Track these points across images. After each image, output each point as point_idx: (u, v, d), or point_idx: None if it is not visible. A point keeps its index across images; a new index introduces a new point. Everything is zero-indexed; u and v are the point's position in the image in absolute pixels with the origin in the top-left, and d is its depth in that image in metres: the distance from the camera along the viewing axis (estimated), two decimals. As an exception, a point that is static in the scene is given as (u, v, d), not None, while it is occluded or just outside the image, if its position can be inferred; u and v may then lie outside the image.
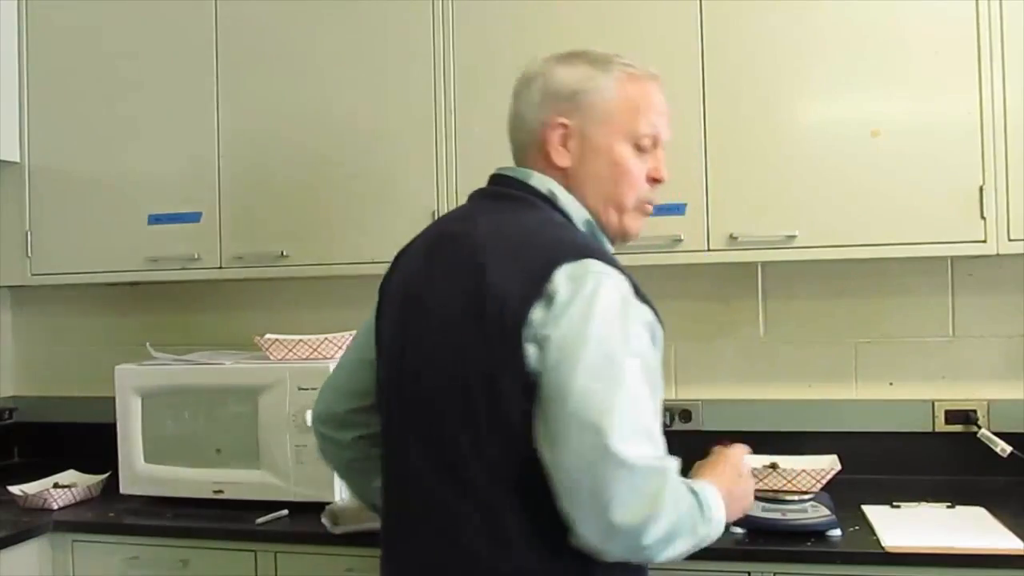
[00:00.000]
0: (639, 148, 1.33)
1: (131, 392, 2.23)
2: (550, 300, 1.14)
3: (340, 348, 2.19)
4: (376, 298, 1.46)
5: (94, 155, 2.43)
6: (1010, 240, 1.92)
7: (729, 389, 2.36)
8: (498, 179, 1.37)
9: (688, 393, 2.38)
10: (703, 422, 2.35)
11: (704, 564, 1.76)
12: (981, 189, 1.92)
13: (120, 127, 2.40)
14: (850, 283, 2.29)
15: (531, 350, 1.14)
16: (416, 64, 2.20)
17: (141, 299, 2.74)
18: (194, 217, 2.33)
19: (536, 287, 1.14)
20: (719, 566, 1.75)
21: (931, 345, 2.27)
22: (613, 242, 1.37)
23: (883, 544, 1.71)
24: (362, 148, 2.24)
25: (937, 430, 2.24)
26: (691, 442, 2.32)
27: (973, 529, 1.79)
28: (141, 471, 2.21)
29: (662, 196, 2.03)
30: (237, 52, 2.32)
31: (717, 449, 1.42)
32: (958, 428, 2.22)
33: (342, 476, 1.62)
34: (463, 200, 2.12)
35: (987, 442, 2.15)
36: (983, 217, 1.92)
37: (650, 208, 1.37)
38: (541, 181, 1.32)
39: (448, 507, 1.20)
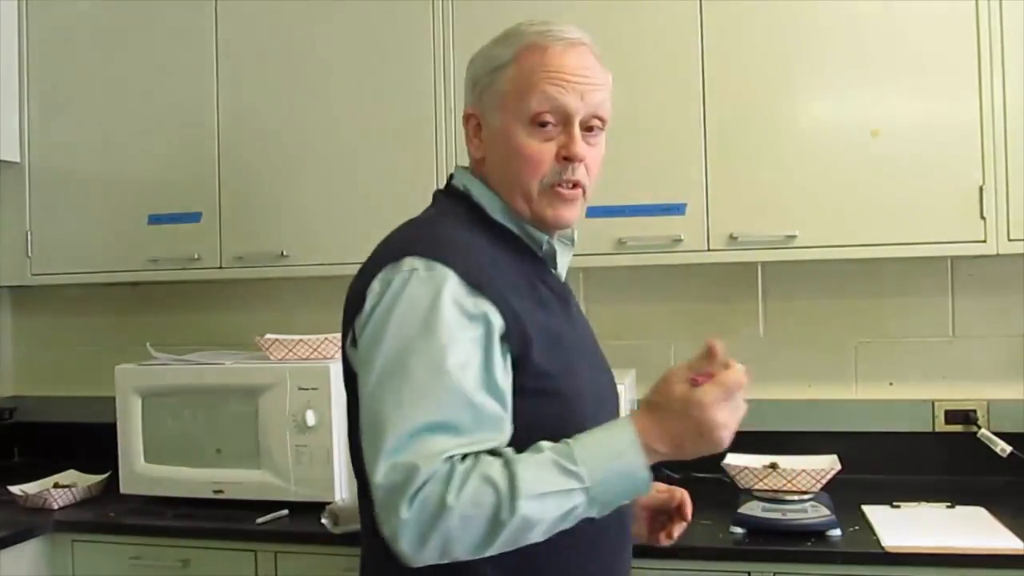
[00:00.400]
0: (541, 126, 1.21)
1: (131, 392, 2.22)
2: (363, 305, 1.13)
3: (340, 348, 2.19)
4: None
5: (94, 155, 2.43)
6: (1010, 240, 1.92)
7: (729, 389, 2.35)
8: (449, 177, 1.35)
9: (688, 393, 2.38)
10: (703, 422, 2.35)
11: (704, 564, 1.76)
12: (981, 189, 1.92)
13: (120, 127, 2.40)
14: (850, 283, 2.29)
15: (351, 355, 1.17)
16: (416, 64, 2.20)
17: (141, 299, 2.74)
18: (194, 217, 2.33)
19: (362, 291, 1.14)
20: (719, 566, 1.75)
21: (931, 345, 2.27)
22: (545, 231, 1.27)
23: (883, 544, 1.71)
24: (362, 148, 2.24)
25: (937, 430, 2.24)
26: (691, 442, 2.34)
27: (973, 529, 1.79)
28: (141, 471, 2.21)
29: (662, 196, 2.06)
30: (237, 52, 2.32)
31: (666, 379, 1.15)
32: (958, 428, 2.22)
33: None
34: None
35: (987, 442, 2.15)
36: (983, 217, 1.92)
37: (568, 192, 1.23)
38: (461, 177, 1.30)
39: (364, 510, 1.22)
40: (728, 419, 1.13)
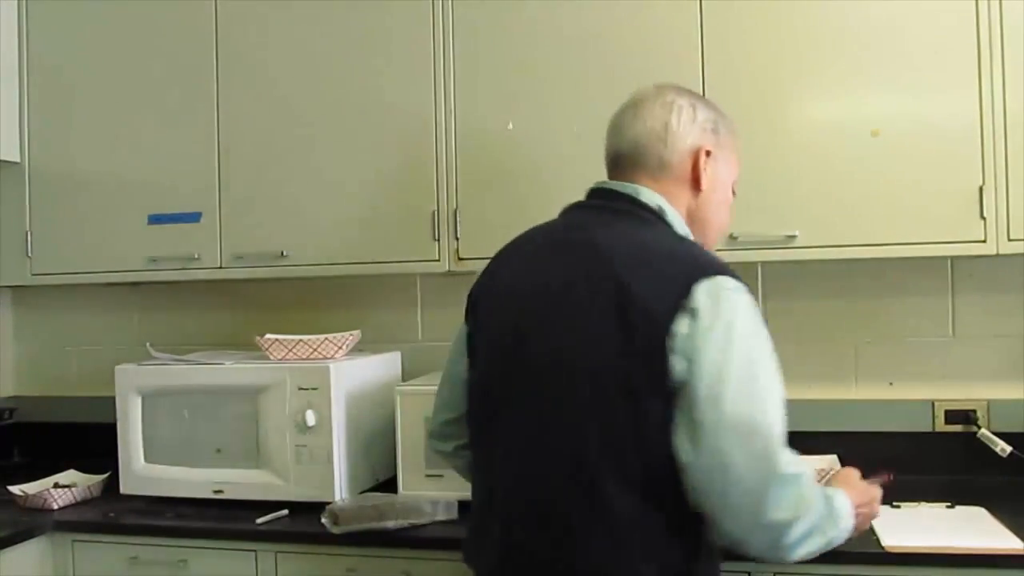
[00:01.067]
0: (734, 191, 1.54)
1: (131, 392, 2.22)
2: (693, 315, 1.22)
3: (340, 348, 2.19)
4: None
5: (94, 155, 2.43)
6: (1010, 240, 1.92)
7: (729, 389, 2.35)
8: (604, 193, 1.45)
9: (688, 393, 2.38)
10: (703, 422, 2.35)
11: (704, 564, 1.76)
12: (981, 189, 1.92)
13: (120, 127, 2.40)
14: (850, 283, 2.29)
15: (676, 361, 1.21)
16: (416, 64, 2.20)
17: (141, 299, 2.74)
18: (194, 217, 2.33)
19: (678, 301, 1.22)
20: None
21: (931, 345, 2.27)
22: None
23: (883, 544, 1.71)
24: (362, 148, 2.24)
25: (937, 430, 2.24)
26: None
27: (973, 529, 1.79)
28: (141, 471, 2.21)
29: (662, 196, 2.06)
30: (237, 52, 2.32)
31: (846, 470, 1.55)
32: (958, 428, 2.22)
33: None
34: (463, 199, 2.17)
35: (987, 442, 2.15)
36: (983, 217, 1.92)
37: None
38: (650, 197, 1.40)
39: (572, 513, 1.25)
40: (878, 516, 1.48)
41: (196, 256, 2.33)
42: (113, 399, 2.25)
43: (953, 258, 2.22)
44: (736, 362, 1.20)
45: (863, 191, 1.98)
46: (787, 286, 2.33)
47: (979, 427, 2.19)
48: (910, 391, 2.27)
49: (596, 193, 1.46)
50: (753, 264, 2.30)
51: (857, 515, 1.33)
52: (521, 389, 1.33)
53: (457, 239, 2.17)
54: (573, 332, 1.28)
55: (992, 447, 2.14)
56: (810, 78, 2.02)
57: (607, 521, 1.23)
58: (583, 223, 1.40)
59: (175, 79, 2.37)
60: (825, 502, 1.25)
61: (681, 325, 1.21)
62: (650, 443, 1.22)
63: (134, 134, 2.39)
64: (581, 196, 2.08)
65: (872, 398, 2.29)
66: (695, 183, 1.43)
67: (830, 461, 1.96)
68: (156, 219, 2.36)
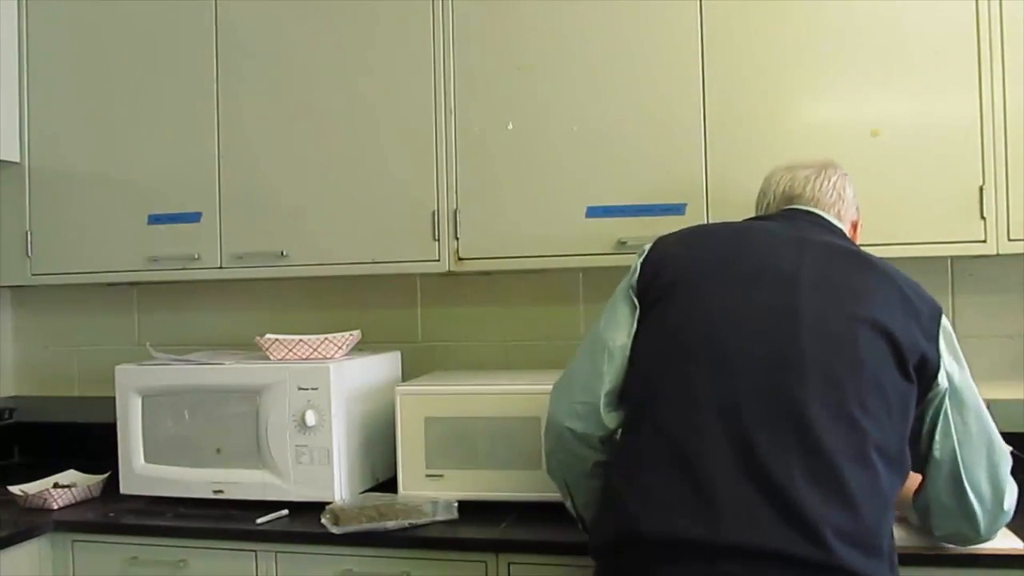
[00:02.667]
0: None
1: (131, 392, 2.22)
2: (949, 342, 1.48)
3: (340, 348, 2.19)
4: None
5: (94, 155, 2.43)
6: (1010, 240, 1.92)
7: (729, 389, 2.35)
8: (810, 215, 1.66)
9: (688, 393, 2.38)
10: (703, 422, 2.35)
11: (704, 564, 1.76)
12: (981, 189, 1.92)
13: (120, 127, 2.40)
14: (850, 283, 2.29)
15: (942, 376, 1.46)
16: (416, 64, 2.20)
17: (141, 299, 2.74)
18: (194, 217, 2.34)
19: (937, 322, 1.48)
20: (719, 566, 1.75)
21: (931, 345, 2.26)
22: None
23: (883, 544, 1.70)
24: (362, 148, 2.24)
25: (937, 430, 2.23)
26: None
27: (973, 529, 1.78)
28: (141, 471, 2.21)
29: (662, 196, 2.06)
30: (237, 52, 2.32)
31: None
32: (958, 428, 2.22)
33: (576, 486, 1.66)
34: (463, 200, 2.17)
35: (987, 442, 2.15)
36: (983, 217, 1.92)
37: None
38: (837, 222, 1.68)
39: (843, 466, 1.33)
40: None
41: (196, 256, 2.33)
42: (113, 399, 2.25)
43: (953, 258, 2.22)
44: (967, 374, 1.53)
45: (863, 191, 1.96)
46: (787, 286, 2.33)
47: (979, 427, 2.19)
48: (910, 391, 2.26)
49: (802, 213, 1.66)
50: (753, 264, 2.30)
51: None
52: (792, 343, 1.41)
53: (457, 239, 2.17)
54: (860, 312, 1.42)
55: (992, 447, 2.14)
56: (810, 78, 2.02)
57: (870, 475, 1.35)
58: (801, 226, 1.61)
59: (175, 79, 2.37)
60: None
61: (942, 349, 1.47)
62: (900, 424, 1.41)
63: (134, 134, 2.39)
64: (581, 196, 2.10)
65: (872, 398, 2.28)
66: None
67: None
68: (156, 219, 2.36)
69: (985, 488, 1.48)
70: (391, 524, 1.91)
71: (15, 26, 2.48)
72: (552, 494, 1.80)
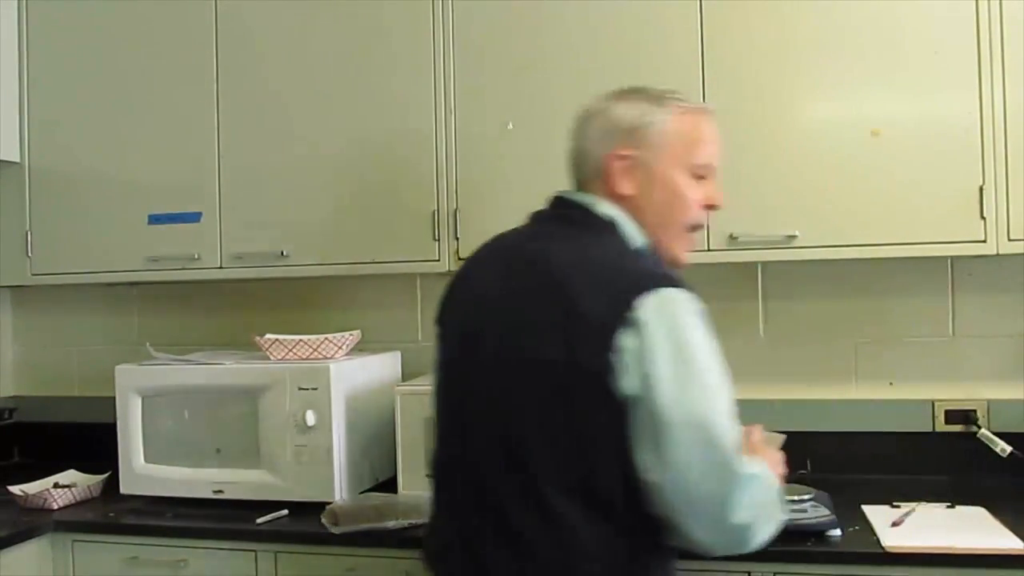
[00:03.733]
0: (696, 176, 1.44)
1: (131, 392, 2.22)
2: (638, 329, 1.22)
3: (340, 348, 2.19)
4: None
5: (94, 155, 2.43)
6: (1010, 240, 1.92)
7: (729, 389, 2.36)
8: (562, 203, 1.46)
9: (688, 393, 2.38)
10: (703, 422, 2.35)
11: (705, 564, 1.76)
12: (981, 189, 1.92)
13: (120, 127, 2.40)
14: (850, 283, 2.29)
15: (626, 377, 1.22)
16: (416, 64, 2.20)
17: (141, 299, 2.74)
18: (194, 217, 2.33)
19: (623, 315, 1.23)
20: (719, 566, 1.74)
21: (931, 345, 2.27)
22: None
23: (883, 544, 1.71)
24: (362, 148, 2.24)
25: (937, 430, 2.24)
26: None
27: (973, 529, 1.79)
28: (141, 471, 2.21)
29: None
30: (237, 52, 2.32)
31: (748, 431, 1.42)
32: (958, 428, 2.22)
33: None
34: (463, 200, 2.17)
35: (987, 442, 2.15)
36: (983, 217, 1.92)
37: (699, 231, 1.51)
38: (605, 208, 1.41)
39: (519, 519, 1.27)
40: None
41: (196, 256, 2.33)
42: (113, 399, 2.25)
43: (953, 258, 2.22)
44: (688, 374, 1.22)
45: (863, 191, 1.98)
46: (787, 286, 2.33)
47: (979, 427, 2.19)
48: (910, 391, 2.27)
49: (558, 202, 1.48)
50: (753, 264, 2.30)
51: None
52: (472, 395, 1.36)
53: (457, 239, 2.17)
54: (521, 346, 1.29)
55: (992, 447, 2.14)
56: (810, 78, 2.02)
57: (552, 525, 1.25)
58: (538, 234, 1.45)
59: (175, 79, 2.36)
60: (774, 490, 1.28)
61: (627, 340, 1.22)
62: (598, 457, 1.24)
63: (134, 134, 2.39)
64: (581, 196, 2.10)
65: (872, 398, 2.29)
66: (615, 191, 1.42)
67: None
68: (156, 219, 2.36)
69: None
70: (391, 524, 1.91)
71: (15, 26, 2.48)
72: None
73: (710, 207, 1.46)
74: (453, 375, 1.43)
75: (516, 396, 1.29)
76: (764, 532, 1.26)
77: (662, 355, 1.22)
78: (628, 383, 1.22)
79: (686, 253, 1.47)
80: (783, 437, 1.61)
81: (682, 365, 1.22)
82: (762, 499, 1.24)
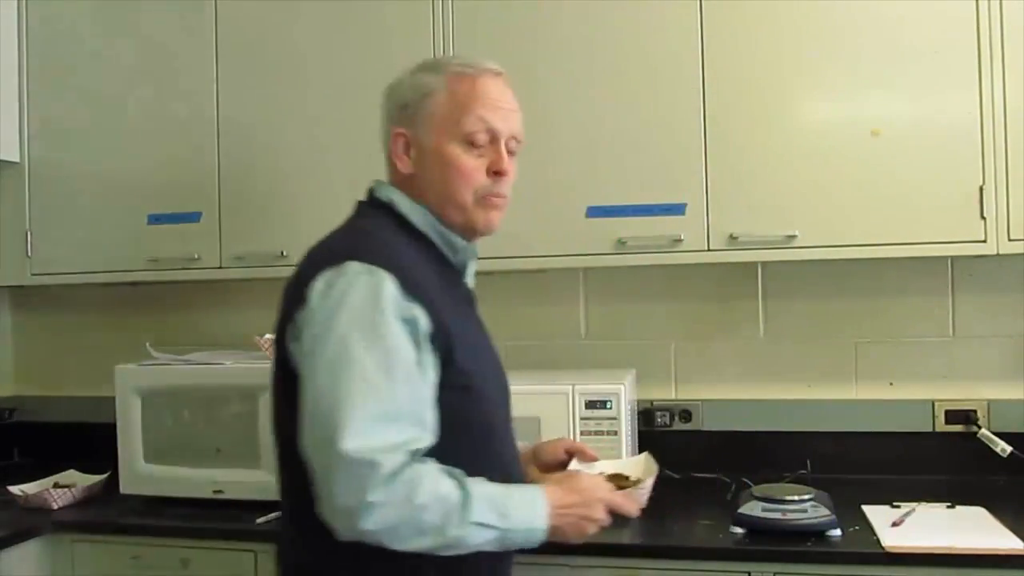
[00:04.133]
0: (473, 144, 1.38)
1: (131, 392, 2.22)
2: (307, 303, 1.25)
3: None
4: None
5: (94, 155, 2.42)
6: (1010, 240, 1.92)
7: (729, 389, 2.36)
8: (368, 191, 1.48)
9: (688, 393, 2.38)
10: (703, 422, 2.36)
11: (704, 564, 1.76)
12: (981, 189, 1.92)
13: (120, 127, 2.40)
14: (850, 283, 2.29)
15: (293, 347, 1.28)
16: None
17: (141, 299, 2.74)
18: (194, 217, 2.33)
19: (301, 291, 1.27)
20: (719, 566, 1.75)
21: (931, 345, 2.27)
22: (468, 238, 1.44)
23: (883, 544, 1.71)
24: (362, 148, 2.24)
25: (937, 430, 2.24)
26: (691, 442, 2.35)
27: (973, 529, 1.79)
28: (141, 471, 2.21)
29: (662, 196, 2.06)
30: (237, 52, 2.32)
31: (571, 473, 1.47)
32: (958, 428, 2.22)
33: None
34: (463, 200, 2.16)
35: (987, 442, 2.15)
36: (983, 217, 1.92)
37: (498, 200, 1.41)
38: (384, 191, 1.44)
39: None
40: (603, 521, 1.36)
41: (196, 256, 2.33)
42: (113, 399, 2.25)
43: (953, 258, 2.22)
44: (331, 342, 1.21)
45: (863, 191, 1.98)
46: (787, 286, 2.33)
47: (979, 427, 2.19)
48: (910, 391, 2.27)
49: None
50: (753, 264, 2.30)
51: (562, 515, 1.29)
52: None
53: (457, 239, 2.17)
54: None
55: (992, 447, 2.14)
56: (810, 78, 2.02)
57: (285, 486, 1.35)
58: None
59: (175, 79, 2.36)
60: (445, 499, 1.19)
61: (301, 313, 1.26)
62: (284, 431, 1.31)
63: (134, 134, 2.39)
64: (581, 196, 2.10)
65: (872, 398, 2.29)
66: (397, 171, 1.43)
67: (638, 464, 1.74)
68: (156, 219, 2.36)
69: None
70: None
71: (15, 26, 2.48)
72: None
73: (496, 174, 1.39)
74: None
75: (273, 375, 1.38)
76: (398, 534, 1.18)
77: (313, 325, 1.23)
78: (294, 354, 1.27)
79: (493, 217, 1.42)
80: (647, 478, 1.59)
81: (326, 338, 1.21)
82: (388, 491, 1.15)
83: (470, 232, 1.43)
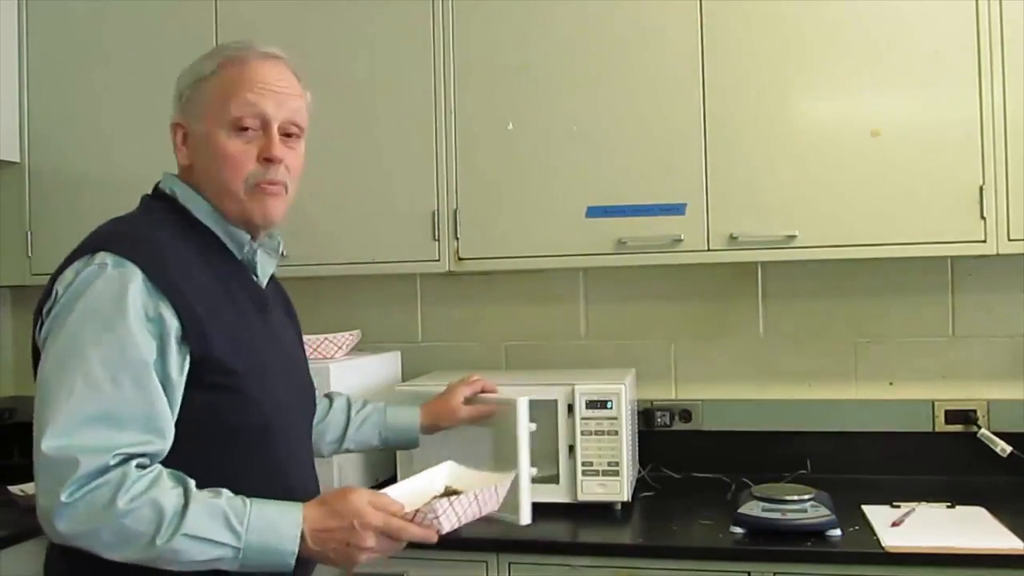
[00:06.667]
0: (242, 130, 1.33)
1: (131, 392, 2.22)
2: (54, 296, 1.21)
3: (340, 348, 2.19)
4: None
5: (94, 155, 2.42)
6: (1010, 240, 1.92)
7: (729, 389, 2.36)
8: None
9: (688, 393, 2.38)
10: (703, 422, 2.35)
11: (704, 564, 1.76)
12: (981, 189, 1.92)
13: (120, 127, 2.40)
14: (850, 283, 2.29)
15: (37, 338, 1.24)
16: (416, 64, 2.20)
17: (141, 299, 2.73)
18: (194, 217, 2.33)
19: (52, 284, 1.23)
20: (719, 566, 1.75)
21: (931, 345, 2.27)
22: (251, 230, 1.38)
23: (883, 544, 1.71)
24: (362, 147, 2.24)
25: (937, 430, 2.24)
26: (691, 442, 2.35)
27: (973, 529, 1.79)
28: (141, 471, 2.20)
29: (662, 196, 2.06)
30: (237, 52, 2.32)
31: (344, 490, 1.27)
32: (958, 428, 2.22)
33: None
34: (463, 200, 2.17)
35: (987, 442, 2.15)
36: (983, 217, 1.92)
37: (272, 188, 1.35)
38: (168, 182, 1.40)
39: None
40: (374, 548, 1.24)
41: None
42: (113, 399, 2.25)
43: (953, 258, 2.22)
44: (62, 335, 1.17)
45: (863, 191, 1.98)
46: (787, 286, 2.33)
47: (979, 427, 2.19)
48: (910, 391, 2.27)
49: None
50: (753, 264, 2.30)
51: (323, 539, 1.19)
52: None
53: (457, 239, 2.17)
54: None
55: (992, 447, 2.14)
56: (810, 78, 2.02)
57: None
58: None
59: (175, 79, 2.36)
60: (152, 502, 1.12)
61: (48, 302, 1.22)
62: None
63: (134, 134, 2.39)
64: (581, 196, 2.11)
65: (872, 398, 2.29)
66: (178, 162, 1.41)
67: (444, 473, 1.48)
68: (156, 219, 2.36)
69: None
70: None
71: (15, 26, 2.48)
72: (551, 494, 1.80)
73: (267, 161, 1.33)
74: None
75: None
76: (98, 541, 1.13)
77: (53, 313, 1.20)
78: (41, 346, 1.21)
79: (269, 206, 1.35)
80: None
81: (57, 328, 1.18)
82: (64, 489, 1.12)
83: (249, 224, 1.36)
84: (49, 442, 1.13)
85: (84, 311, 1.17)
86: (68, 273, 1.21)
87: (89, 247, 1.23)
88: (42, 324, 1.24)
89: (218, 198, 1.35)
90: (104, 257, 1.20)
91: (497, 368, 2.46)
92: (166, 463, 1.19)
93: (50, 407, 1.15)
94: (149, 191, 1.47)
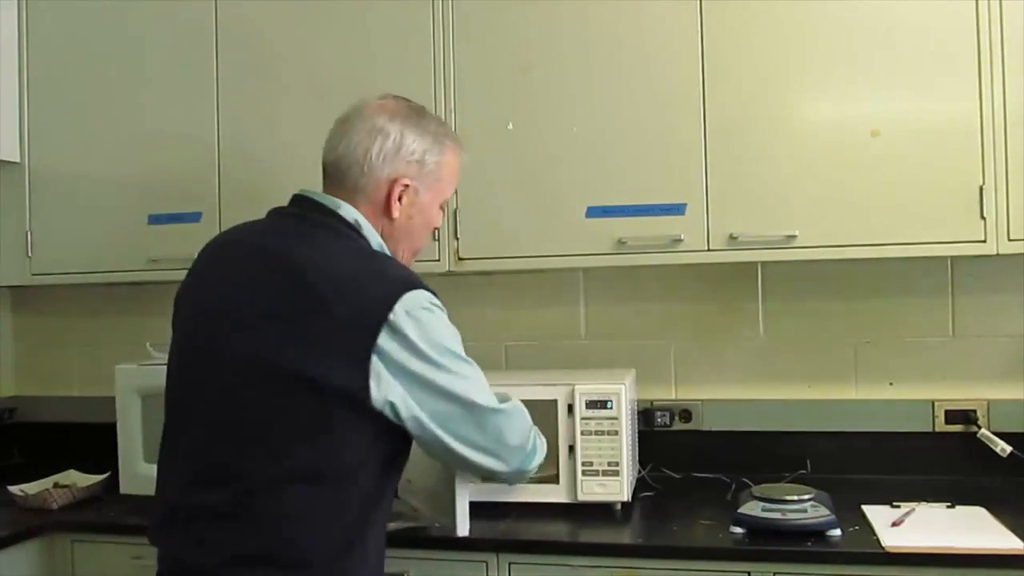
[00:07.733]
0: (442, 208, 1.62)
1: (131, 392, 2.22)
2: (394, 331, 1.32)
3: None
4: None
5: (94, 155, 2.42)
6: (1010, 240, 1.92)
7: (729, 389, 2.36)
8: (305, 202, 1.51)
9: (688, 393, 2.38)
10: (703, 422, 2.36)
11: (704, 564, 1.76)
12: (981, 189, 1.92)
13: (120, 127, 2.40)
14: (850, 283, 2.29)
15: (381, 372, 1.31)
16: (416, 64, 2.20)
17: (141, 299, 2.74)
18: (194, 217, 2.33)
19: (380, 316, 1.31)
20: (719, 566, 1.75)
21: (931, 345, 2.27)
22: None
23: (883, 544, 1.71)
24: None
25: (937, 430, 2.24)
26: (691, 442, 2.35)
27: (973, 529, 1.79)
28: (141, 471, 2.20)
29: (662, 196, 2.07)
30: (237, 52, 2.32)
31: None
32: (958, 428, 2.22)
33: None
34: (463, 200, 2.17)
35: (987, 442, 2.15)
36: (983, 217, 1.92)
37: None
38: (348, 211, 1.48)
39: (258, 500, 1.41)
40: None
41: (196, 256, 2.32)
42: (113, 399, 2.25)
43: (953, 258, 2.22)
44: (449, 362, 1.37)
45: (863, 191, 1.98)
46: (787, 286, 2.33)
47: (979, 427, 2.19)
48: (910, 391, 2.27)
49: (298, 201, 1.52)
50: (753, 264, 2.30)
51: None
52: (208, 390, 1.41)
53: (457, 239, 2.17)
54: (261, 339, 1.35)
55: (992, 447, 2.14)
56: (810, 78, 2.02)
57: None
58: (276, 229, 1.49)
59: (175, 78, 2.36)
60: None
61: (385, 341, 1.31)
62: (334, 441, 1.33)
63: (134, 134, 2.39)
64: (581, 196, 2.10)
65: (872, 398, 2.29)
66: (387, 211, 1.50)
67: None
68: (156, 219, 2.36)
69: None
70: (391, 524, 1.90)
71: (15, 26, 2.48)
72: (551, 494, 1.79)
73: (435, 229, 1.65)
74: (187, 362, 1.49)
75: (245, 390, 1.36)
76: None
77: (416, 358, 1.33)
78: (379, 378, 1.31)
79: (411, 260, 1.61)
80: None
81: (430, 351, 1.34)
82: None
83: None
84: (509, 423, 1.46)
85: (446, 335, 1.40)
86: (402, 311, 1.34)
87: (403, 287, 1.36)
88: (376, 350, 1.32)
89: (399, 244, 1.55)
90: (421, 295, 1.38)
91: (497, 368, 2.46)
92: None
93: (487, 408, 1.44)
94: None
